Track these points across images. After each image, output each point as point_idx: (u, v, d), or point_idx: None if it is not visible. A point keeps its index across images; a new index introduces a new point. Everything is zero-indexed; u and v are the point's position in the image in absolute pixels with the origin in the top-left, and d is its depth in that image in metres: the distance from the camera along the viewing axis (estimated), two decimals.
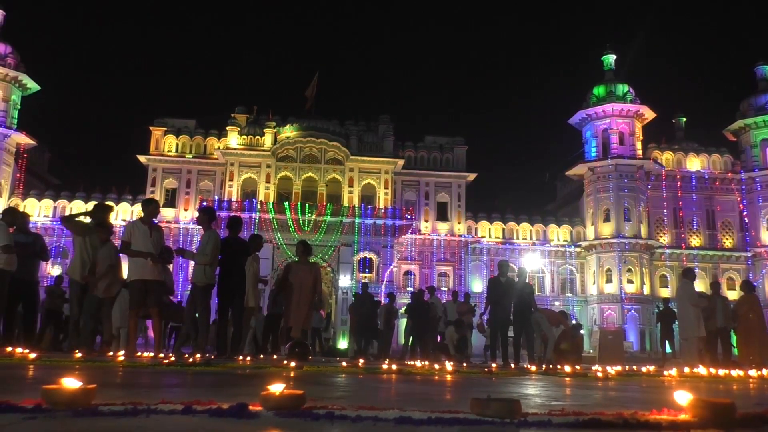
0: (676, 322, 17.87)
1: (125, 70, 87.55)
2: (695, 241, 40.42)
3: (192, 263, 8.58)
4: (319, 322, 18.77)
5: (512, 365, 10.41)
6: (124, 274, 8.19)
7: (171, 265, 9.61)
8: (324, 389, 3.67)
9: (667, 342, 17.08)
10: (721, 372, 7.04)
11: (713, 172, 41.18)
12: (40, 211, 37.26)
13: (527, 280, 13.01)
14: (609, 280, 38.26)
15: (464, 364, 10.98)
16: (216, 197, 37.17)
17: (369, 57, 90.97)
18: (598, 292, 38.57)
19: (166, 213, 37.20)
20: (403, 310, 17.62)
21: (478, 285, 38.75)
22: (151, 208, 8.06)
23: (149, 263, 7.67)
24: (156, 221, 8.35)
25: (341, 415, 1.82)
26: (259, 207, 35.92)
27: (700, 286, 21.34)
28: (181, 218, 37.85)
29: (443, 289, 36.15)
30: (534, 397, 3.39)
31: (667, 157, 41.42)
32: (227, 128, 39.11)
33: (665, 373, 6.91)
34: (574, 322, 17.47)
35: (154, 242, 7.75)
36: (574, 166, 41.52)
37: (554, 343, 13.18)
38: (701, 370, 7.40)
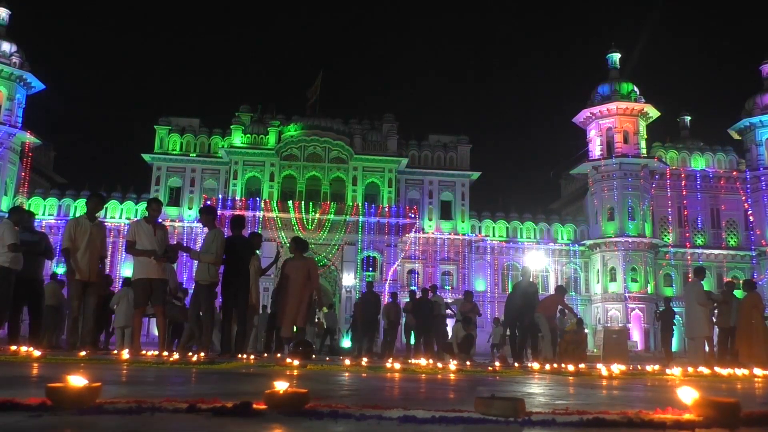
0: (677, 321, 17.91)
1: (130, 69, 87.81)
2: (700, 240, 40.31)
3: (196, 262, 8.59)
4: (334, 322, 18.82)
5: (516, 364, 10.39)
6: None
7: (175, 264, 9.61)
8: (328, 388, 3.67)
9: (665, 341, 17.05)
10: (726, 371, 7.02)
11: (718, 170, 41.05)
12: (45, 210, 37.40)
13: (531, 279, 13.01)
14: (613, 279, 38.19)
15: (467, 363, 10.96)
16: (220, 196, 37.25)
17: (373, 55, 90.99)
18: (603, 291, 38.51)
19: (170, 211, 37.31)
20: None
21: (481, 284, 38.76)
22: (154, 207, 8.08)
23: (153, 262, 7.69)
24: (160, 220, 8.37)
25: (345, 414, 1.83)
26: (262, 205, 35.99)
27: (706, 285, 21.17)
28: (185, 217, 37.93)
29: (447, 288, 36.16)
30: (538, 396, 3.39)
31: (671, 156, 41.31)
32: (231, 127, 39.20)
33: (669, 372, 6.90)
34: (577, 317, 17.41)
35: (158, 241, 7.77)
36: (579, 164, 41.47)
37: (558, 342, 13.13)
38: (705, 369, 7.38)
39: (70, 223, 7.95)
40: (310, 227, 35.67)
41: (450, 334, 15.53)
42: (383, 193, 38.41)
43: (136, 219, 7.63)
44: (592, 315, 38.72)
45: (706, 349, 12.18)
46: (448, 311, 16.13)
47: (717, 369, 7.34)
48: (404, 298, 21.09)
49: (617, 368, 6.51)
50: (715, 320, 12.52)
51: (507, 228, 40.46)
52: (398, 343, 18.62)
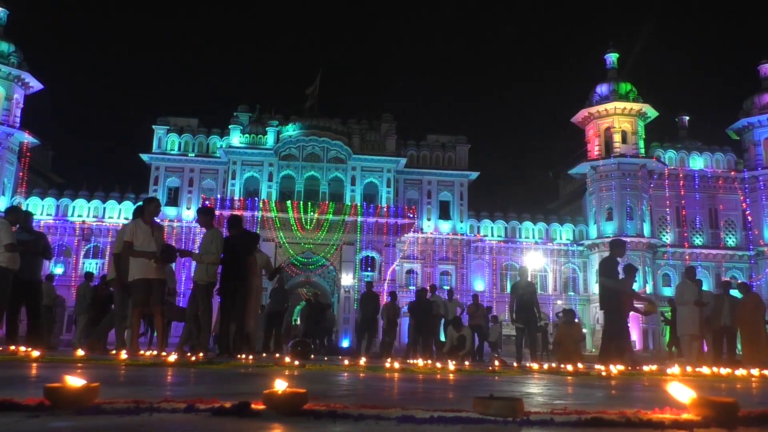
0: None
1: (128, 69, 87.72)
2: (698, 239, 40.36)
3: (194, 262, 8.58)
4: (332, 322, 18.85)
5: (515, 364, 10.40)
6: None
7: (173, 264, 9.59)
8: (326, 388, 3.67)
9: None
10: (724, 371, 7.03)
11: (716, 170, 41.12)
12: (43, 210, 37.37)
13: (529, 279, 13.00)
14: None
15: (467, 363, 10.96)
16: (218, 196, 37.23)
17: (372, 55, 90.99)
18: None
19: (169, 212, 37.29)
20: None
21: (480, 284, 38.77)
22: (152, 206, 8.01)
23: (152, 262, 7.67)
24: (158, 220, 8.36)
25: (343, 414, 1.82)
26: (261, 205, 35.96)
27: (705, 285, 21.27)
28: (183, 217, 37.89)
29: (445, 288, 36.16)
30: (536, 396, 3.39)
31: (670, 156, 41.37)
32: (230, 127, 39.18)
33: (668, 371, 6.90)
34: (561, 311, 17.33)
35: (156, 241, 7.75)
36: (577, 164, 41.50)
37: (556, 342, 13.08)
38: (704, 369, 7.39)
39: (132, 228, 7.85)
40: (308, 227, 35.67)
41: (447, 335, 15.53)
42: (382, 193, 38.40)
43: (133, 219, 7.58)
44: (591, 315, 38.75)
45: (704, 348, 12.17)
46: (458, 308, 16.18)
47: (705, 369, 7.35)
48: (403, 298, 21.13)
49: (615, 368, 6.52)
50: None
51: (505, 228, 40.48)
52: (397, 343, 18.63)
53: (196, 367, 5.20)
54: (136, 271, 7.80)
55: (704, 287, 14.16)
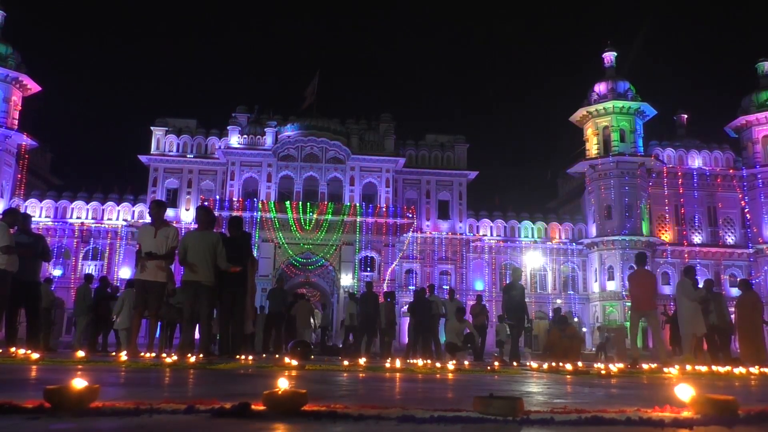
0: None
1: (126, 71, 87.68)
2: (697, 238, 40.37)
3: None
4: (328, 321, 18.81)
5: (514, 363, 10.40)
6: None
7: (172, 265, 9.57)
8: (326, 388, 3.67)
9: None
10: (722, 369, 7.03)
11: (715, 168, 41.13)
12: (42, 212, 37.33)
13: (522, 282, 13.02)
14: (611, 278, 38.21)
15: (466, 363, 10.95)
16: (217, 197, 37.20)
17: (370, 56, 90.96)
18: (600, 289, 38.53)
19: (168, 213, 37.23)
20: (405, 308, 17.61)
21: (479, 283, 38.76)
22: (150, 208, 8.26)
23: (150, 264, 7.72)
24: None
25: (344, 414, 1.82)
26: (260, 206, 35.93)
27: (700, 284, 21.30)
28: (182, 218, 37.85)
29: (445, 287, 36.17)
30: (536, 395, 3.39)
31: (668, 154, 41.38)
32: (228, 127, 39.14)
33: (665, 370, 6.90)
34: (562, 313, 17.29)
35: (158, 243, 7.78)
36: (576, 163, 41.49)
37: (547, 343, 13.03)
38: (702, 367, 7.40)
39: (139, 233, 8.29)
40: (307, 227, 35.65)
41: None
42: (381, 193, 38.38)
43: (143, 223, 7.67)
44: (590, 314, 38.76)
45: (704, 346, 12.15)
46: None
47: (714, 367, 7.35)
48: (402, 298, 21.12)
49: (615, 366, 6.52)
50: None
51: (505, 227, 40.47)
52: (397, 343, 18.61)
53: (196, 369, 5.19)
54: (136, 272, 7.93)
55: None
